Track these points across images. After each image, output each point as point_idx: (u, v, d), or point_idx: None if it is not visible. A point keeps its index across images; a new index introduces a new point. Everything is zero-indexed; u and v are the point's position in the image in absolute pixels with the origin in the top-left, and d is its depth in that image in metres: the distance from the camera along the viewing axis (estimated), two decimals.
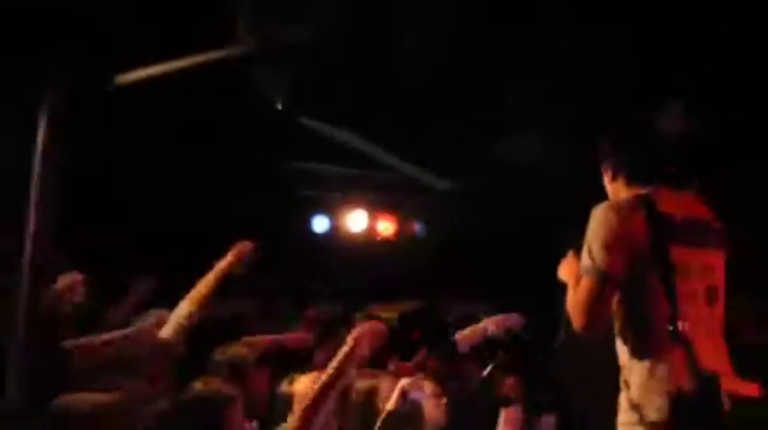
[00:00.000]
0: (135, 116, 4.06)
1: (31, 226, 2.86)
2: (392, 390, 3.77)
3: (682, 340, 2.36)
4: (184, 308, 3.57)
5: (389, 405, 3.70)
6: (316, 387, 3.28)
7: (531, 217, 5.70)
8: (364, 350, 3.41)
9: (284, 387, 3.71)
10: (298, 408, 3.31)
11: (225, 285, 3.68)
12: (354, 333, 3.36)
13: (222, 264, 3.67)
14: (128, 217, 3.77)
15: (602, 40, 4.00)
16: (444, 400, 3.93)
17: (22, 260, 2.81)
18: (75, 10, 3.11)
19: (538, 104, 4.48)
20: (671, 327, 2.37)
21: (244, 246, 3.73)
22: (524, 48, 4.12)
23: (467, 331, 4.55)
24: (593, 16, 3.86)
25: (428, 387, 3.89)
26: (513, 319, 4.58)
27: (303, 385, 3.55)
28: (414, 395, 3.77)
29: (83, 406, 2.67)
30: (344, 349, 3.28)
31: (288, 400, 3.55)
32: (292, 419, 3.23)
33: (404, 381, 3.79)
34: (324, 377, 3.26)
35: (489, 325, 4.54)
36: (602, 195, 2.67)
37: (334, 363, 3.31)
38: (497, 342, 4.61)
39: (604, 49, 4.03)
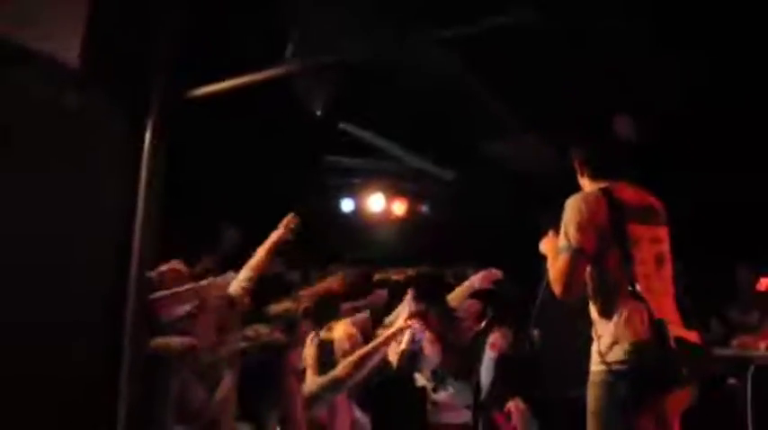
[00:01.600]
0: (208, 123, 4.17)
1: (139, 220, 2.56)
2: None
3: (638, 297, 2.45)
4: (245, 273, 3.53)
5: (403, 345, 3.92)
6: (367, 346, 3.47)
7: (517, 202, 5.78)
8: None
9: (323, 334, 3.80)
10: (344, 355, 3.49)
11: (278, 252, 3.68)
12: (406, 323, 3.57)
13: (274, 236, 3.63)
14: (199, 206, 3.84)
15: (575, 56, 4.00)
16: (439, 345, 4.05)
17: (131, 257, 2.51)
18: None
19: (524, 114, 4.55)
20: (630, 288, 2.46)
21: (290, 220, 3.69)
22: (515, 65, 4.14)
23: (456, 291, 4.46)
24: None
25: (428, 333, 4.05)
26: (494, 273, 4.48)
27: (339, 332, 3.71)
28: (419, 337, 3.97)
29: (173, 345, 2.82)
30: (394, 329, 3.48)
31: (328, 345, 3.65)
32: (342, 366, 3.37)
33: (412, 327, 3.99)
34: (375, 341, 3.47)
35: (475, 281, 4.48)
36: (571, 186, 2.80)
37: (385, 334, 3.53)
38: (491, 294, 4.57)
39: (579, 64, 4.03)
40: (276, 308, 3.65)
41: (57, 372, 2.22)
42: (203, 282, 3.26)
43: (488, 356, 4.40)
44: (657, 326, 2.41)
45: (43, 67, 2.25)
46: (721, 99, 4.37)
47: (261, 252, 3.57)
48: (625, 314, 2.49)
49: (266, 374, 2.86)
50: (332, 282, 4.27)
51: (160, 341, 2.82)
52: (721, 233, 5.13)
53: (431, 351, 4.08)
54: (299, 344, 3.36)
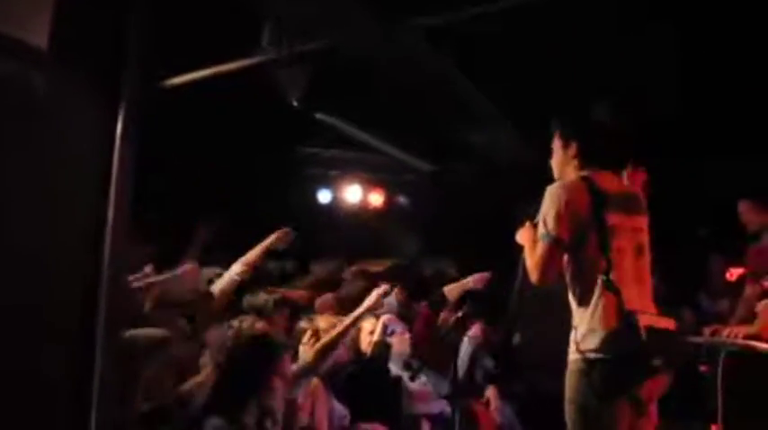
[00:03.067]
0: (183, 112, 4.11)
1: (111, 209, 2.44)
2: (371, 328, 4.06)
3: (612, 288, 2.46)
4: (238, 267, 3.74)
5: (376, 336, 4.01)
6: (334, 330, 3.49)
7: (494, 192, 5.79)
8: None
9: (304, 323, 3.89)
10: (316, 344, 3.54)
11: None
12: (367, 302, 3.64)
13: (268, 242, 3.86)
14: (178, 194, 3.81)
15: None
16: (408, 336, 4.20)
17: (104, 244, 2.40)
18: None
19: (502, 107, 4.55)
20: (604, 278, 2.48)
21: (285, 232, 3.94)
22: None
23: (455, 285, 4.76)
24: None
25: (399, 325, 4.19)
26: (486, 276, 4.77)
27: (322, 322, 3.78)
28: (391, 328, 4.07)
29: (145, 338, 2.82)
30: (360, 310, 3.52)
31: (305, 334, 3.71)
32: (309, 354, 3.41)
33: (384, 318, 4.10)
34: (342, 324, 3.51)
35: (472, 281, 4.76)
36: (549, 176, 2.77)
37: (350, 317, 3.53)
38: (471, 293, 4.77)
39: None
40: (250, 299, 3.70)
41: (30, 365, 2.15)
42: (163, 277, 3.30)
43: (466, 347, 4.47)
44: (627, 317, 2.42)
45: (9, 48, 2.15)
46: (705, 88, 4.37)
47: (256, 250, 3.79)
48: (600, 303, 2.49)
49: (253, 368, 2.86)
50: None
51: (131, 334, 2.79)
52: (694, 223, 5.23)
53: (401, 341, 4.14)
54: (294, 346, 3.40)
